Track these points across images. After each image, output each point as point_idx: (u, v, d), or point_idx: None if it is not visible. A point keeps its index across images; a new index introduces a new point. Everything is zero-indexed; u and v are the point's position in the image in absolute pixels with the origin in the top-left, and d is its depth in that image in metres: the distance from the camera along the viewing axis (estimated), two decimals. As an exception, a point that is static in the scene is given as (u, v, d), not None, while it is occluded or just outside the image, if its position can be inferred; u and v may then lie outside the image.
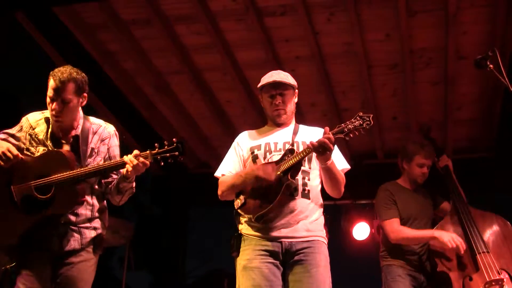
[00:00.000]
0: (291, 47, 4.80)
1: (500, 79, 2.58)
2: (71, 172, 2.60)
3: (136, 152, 2.61)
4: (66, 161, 2.64)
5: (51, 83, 2.68)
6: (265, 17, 4.50)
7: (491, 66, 2.67)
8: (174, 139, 2.62)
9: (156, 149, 2.61)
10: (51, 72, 2.72)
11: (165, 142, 2.62)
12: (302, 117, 5.20)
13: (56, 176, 2.60)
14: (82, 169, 2.65)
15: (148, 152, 2.61)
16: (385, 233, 3.78)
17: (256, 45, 4.73)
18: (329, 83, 5.17)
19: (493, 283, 3.35)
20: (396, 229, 3.72)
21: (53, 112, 2.69)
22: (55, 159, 2.67)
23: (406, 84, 5.07)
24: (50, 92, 2.68)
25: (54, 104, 2.67)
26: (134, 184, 2.77)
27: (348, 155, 5.86)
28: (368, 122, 2.63)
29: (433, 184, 4.07)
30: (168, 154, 2.59)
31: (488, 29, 4.42)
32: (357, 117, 2.65)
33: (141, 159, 2.58)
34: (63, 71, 2.69)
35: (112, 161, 2.75)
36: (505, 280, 3.36)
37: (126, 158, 2.61)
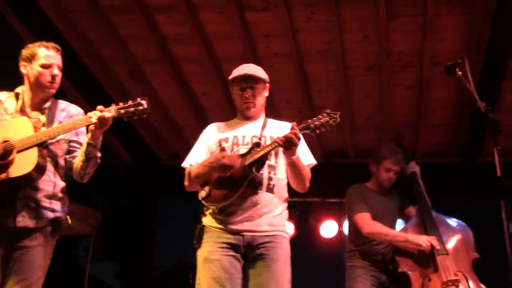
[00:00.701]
0: (270, 43, 4.79)
1: (467, 85, 2.63)
2: (34, 134, 2.57)
3: (100, 107, 2.60)
4: (30, 126, 2.60)
5: (44, 51, 2.70)
6: (246, 11, 4.48)
7: (460, 73, 2.72)
8: (139, 98, 2.62)
9: (121, 104, 2.61)
10: (35, 43, 2.73)
11: (129, 100, 2.63)
12: (277, 113, 5.19)
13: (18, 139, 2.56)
14: (46, 130, 2.61)
15: (112, 105, 2.60)
16: (358, 226, 3.82)
17: (235, 38, 4.70)
18: (305, 81, 5.18)
19: (450, 283, 3.46)
20: (369, 223, 3.78)
21: (51, 79, 2.69)
22: (19, 124, 2.63)
23: (381, 86, 5.12)
24: (46, 60, 2.69)
25: (55, 69, 2.70)
26: (99, 154, 2.72)
27: (320, 153, 5.91)
28: (335, 120, 2.66)
29: (402, 189, 4.15)
30: (132, 109, 2.59)
31: (463, 37, 4.49)
32: (324, 114, 2.68)
33: (105, 110, 2.58)
34: (49, 42, 2.73)
35: (77, 119, 2.71)
36: (460, 280, 3.47)
37: (91, 113, 2.60)
